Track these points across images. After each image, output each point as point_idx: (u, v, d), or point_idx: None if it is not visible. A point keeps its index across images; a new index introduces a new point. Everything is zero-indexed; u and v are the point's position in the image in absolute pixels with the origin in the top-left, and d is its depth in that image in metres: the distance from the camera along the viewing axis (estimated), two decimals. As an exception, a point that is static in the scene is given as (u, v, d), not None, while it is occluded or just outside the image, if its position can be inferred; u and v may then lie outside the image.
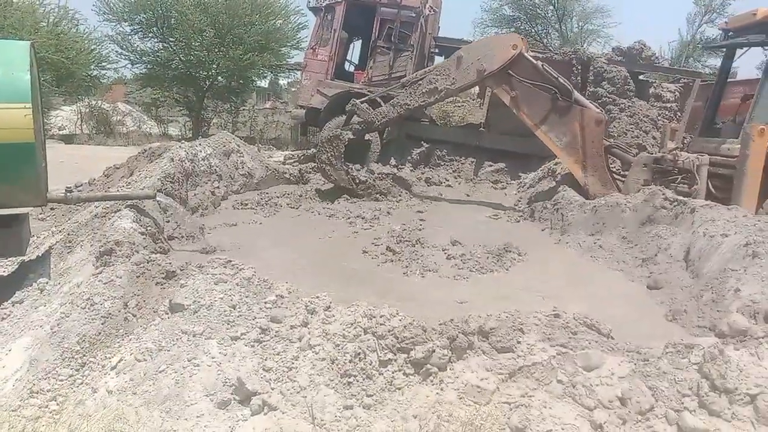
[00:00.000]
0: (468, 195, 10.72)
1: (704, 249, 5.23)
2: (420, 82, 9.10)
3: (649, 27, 67.04)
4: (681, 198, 6.51)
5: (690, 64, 26.77)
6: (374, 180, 9.37)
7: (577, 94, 8.74)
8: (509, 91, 8.74)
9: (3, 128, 4.26)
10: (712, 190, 7.59)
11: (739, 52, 8.74)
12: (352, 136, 9.21)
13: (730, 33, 8.57)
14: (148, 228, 5.21)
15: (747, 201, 6.94)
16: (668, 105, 12.53)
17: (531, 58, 8.89)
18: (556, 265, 6.07)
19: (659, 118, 12.18)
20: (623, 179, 8.57)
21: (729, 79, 9.57)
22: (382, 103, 9.29)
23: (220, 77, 22.71)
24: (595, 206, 7.25)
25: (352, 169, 9.29)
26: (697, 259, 5.24)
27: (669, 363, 3.07)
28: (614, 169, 8.95)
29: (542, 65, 8.75)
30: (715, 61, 26.99)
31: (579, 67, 12.50)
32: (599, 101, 11.56)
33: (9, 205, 5.00)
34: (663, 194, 6.58)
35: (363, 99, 9.85)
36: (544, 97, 8.64)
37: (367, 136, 10.66)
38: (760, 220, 5.28)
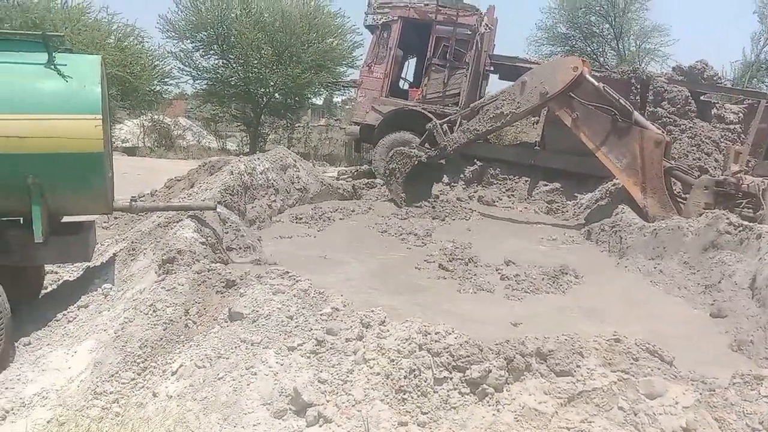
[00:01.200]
0: (522, 214, 10.60)
1: (772, 277, 5.02)
2: (487, 107, 9.39)
3: (710, 45, 65.15)
4: (746, 223, 6.26)
5: (754, 85, 25.84)
6: (432, 204, 9.59)
7: (637, 115, 8.64)
8: (570, 113, 8.83)
9: (74, 138, 4.45)
10: (779, 215, 7.29)
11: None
12: (424, 161, 9.59)
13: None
14: (209, 238, 5.34)
15: (817, 228, 6.62)
16: (731, 126, 12.10)
17: (593, 80, 8.87)
18: (615, 290, 5.92)
19: (722, 140, 11.78)
20: (684, 202, 8.34)
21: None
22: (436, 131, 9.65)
23: (277, 94, 23.23)
24: (655, 229, 7.05)
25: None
26: (764, 287, 5.02)
27: (737, 394, 2.94)
28: (675, 192, 8.72)
29: (604, 87, 8.72)
30: (783, 82, 26.04)
31: (638, 87, 12.23)
32: (659, 121, 11.28)
33: (77, 212, 5.22)
34: (727, 219, 6.34)
35: (443, 121, 10.11)
36: (605, 119, 8.62)
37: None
38: (832, 248, 5.04)
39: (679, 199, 8.55)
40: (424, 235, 7.78)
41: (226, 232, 6.11)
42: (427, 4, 13.48)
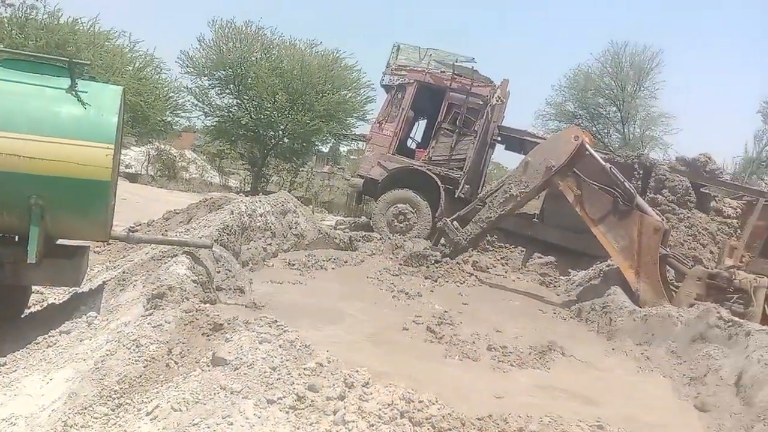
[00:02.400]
0: (514, 284, 10.59)
1: (758, 377, 4.99)
2: (496, 193, 9.54)
3: (712, 137, 66.52)
4: (736, 319, 6.27)
5: (754, 181, 26.27)
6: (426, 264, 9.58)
7: (639, 200, 8.77)
8: (574, 190, 8.92)
9: (84, 164, 4.50)
10: (768, 314, 7.30)
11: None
12: (439, 260, 9.57)
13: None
14: (200, 276, 5.33)
15: (807, 332, 6.62)
16: (729, 221, 12.27)
17: (598, 158, 9.05)
18: (601, 371, 5.87)
19: (718, 232, 11.91)
20: (676, 290, 8.36)
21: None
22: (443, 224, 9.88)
23: (285, 138, 23.57)
24: (645, 315, 7.05)
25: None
26: (750, 386, 4.99)
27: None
28: (668, 279, 8.75)
29: (610, 168, 8.89)
30: (782, 182, 26.45)
31: (640, 172, 12.44)
32: (658, 208, 11.42)
33: (74, 237, 5.23)
34: (717, 312, 6.34)
35: (452, 218, 10.18)
36: (607, 199, 8.73)
37: None
38: (821, 354, 5.04)
39: (672, 287, 8.57)
40: (415, 294, 7.76)
41: (218, 272, 6.10)
42: (443, 71, 13.86)
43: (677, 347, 6.35)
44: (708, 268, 8.76)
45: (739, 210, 12.42)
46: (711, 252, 11.41)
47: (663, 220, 9.02)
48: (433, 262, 9.52)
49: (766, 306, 7.45)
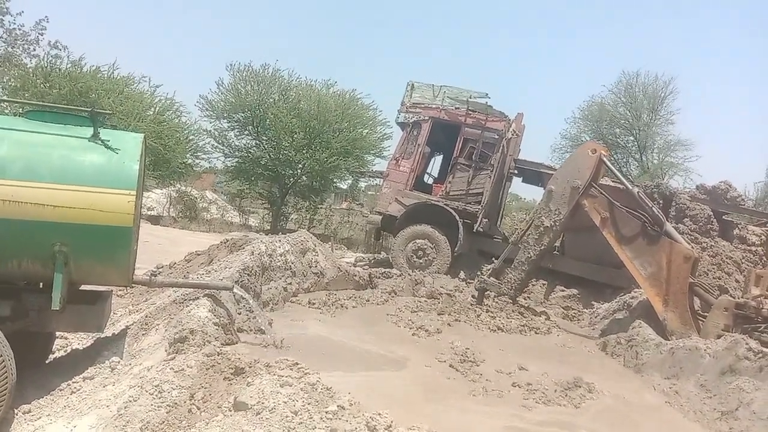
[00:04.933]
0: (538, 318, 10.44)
1: (792, 410, 4.86)
2: (528, 232, 9.46)
3: (733, 163, 65.88)
4: (766, 350, 6.12)
5: (776, 207, 25.88)
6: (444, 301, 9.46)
7: (668, 227, 8.65)
8: (601, 212, 8.78)
9: (107, 211, 4.59)
10: (799, 344, 7.10)
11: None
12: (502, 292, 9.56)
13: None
14: (221, 318, 5.35)
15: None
16: (753, 248, 12.05)
17: (617, 172, 9.12)
18: (628, 408, 5.75)
19: (743, 261, 11.70)
20: (703, 320, 8.19)
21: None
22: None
23: (304, 176, 23.81)
24: (672, 348, 6.91)
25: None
26: (784, 419, 4.86)
27: None
28: (695, 308, 8.58)
29: (638, 192, 8.81)
30: (805, 207, 25.99)
31: (660, 202, 12.33)
32: (681, 237, 11.29)
33: (97, 282, 5.29)
34: (746, 344, 6.21)
35: (488, 274, 10.13)
36: (635, 224, 8.60)
37: None
38: None
39: (699, 317, 8.40)
40: (434, 330, 7.69)
41: (239, 313, 6.12)
42: (458, 108, 13.99)
43: (706, 380, 6.20)
44: (734, 298, 8.59)
45: (763, 237, 12.21)
46: (736, 281, 11.19)
47: (693, 248, 8.84)
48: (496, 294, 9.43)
49: (796, 335, 7.25)
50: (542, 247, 9.32)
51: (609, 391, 6.13)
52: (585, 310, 11.49)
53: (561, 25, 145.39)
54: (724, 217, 12.72)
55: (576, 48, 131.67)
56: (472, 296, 10.16)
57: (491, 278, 9.77)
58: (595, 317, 10.54)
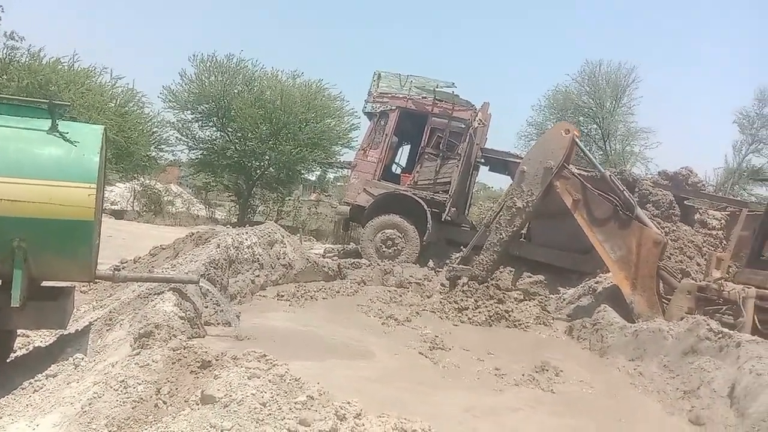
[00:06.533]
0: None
1: (751, 387, 4.99)
2: (500, 214, 9.40)
3: (691, 150, 67.48)
4: (726, 330, 6.29)
5: (736, 192, 26.64)
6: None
7: (639, 211, 8.73)
8: (573, 194, 8.80)
9: (67, 205, 4.47)
10: (759, 325, 7.32)
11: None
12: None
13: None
14: (188, 312, 5.28)
15: (797, 340, 6.65)
16: (714, 232, 12.39)
17: (590, 156, 9.07)
18: (594, 390, 5.86)
19: (704, 245, 12.02)
20: (667, 302, 8.37)
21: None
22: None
23: (271, 168, 23.58)
24: (636, 331, 7.07)
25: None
26: (743, 397, 4.99)
27: None
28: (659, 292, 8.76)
29: (610, 176, 8.89)
30: (762, 191, 26.83)
31: (624, 188, 12.56)
32: (643, 223, 11.52)
33: (59, 278, 5.17)
34: (707, 325, 6.37)
35: (456, 262, 10.12)
36: (606, 207, 8.66)
37: None
38: (811, 362, 5.05)
39: (663, 300, 8.59)
40: (404, 319, 7.74)
41: (206, 306, 6.05)
42: (425, 97, 14.03)
43: (669, 361, 6.34)
44: (696, 281, 8.81)
45: (723, 221, 12.55)
46: (698, 264, 11.49)
47: (662, 234, 8.95)
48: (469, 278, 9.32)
49: (755, 316, 7.47)
50: (515, 228, 9.28)
51: (575, 373, 6.26)
52: (552, 295, 11.67)
53: (529, 14, 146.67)
54: (685, 202, 13.04)
55: (542, 36, 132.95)
56: (442, 284, 10.21)
57: (461, 264, 9.77)
58: (562, 302, 10.71)
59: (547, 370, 6.07)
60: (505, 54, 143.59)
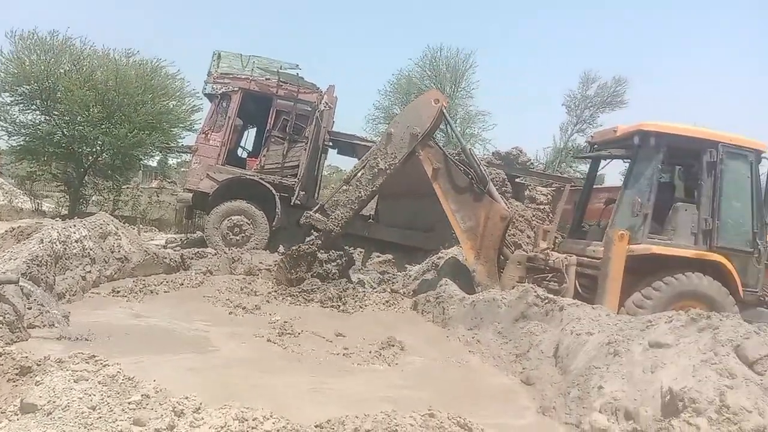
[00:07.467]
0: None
1: (571, 346, 5.53)
2: (362, 171, 9.24)
3: (528, 131, 72.97)
4: (551, 296, 6.89)
5: (563, 169, 29.11)
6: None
7: (491, 186, 9.13)
8: (434, 163, 8.94)
9: None
10: (579, 289, 8.11)
11: (603, 162, 9.69)
12: (315, 249, 9.13)
13: (595, 145, 9.50)
14: (6, 316, 4.78)
15: (609, 301, 7.47)
16: (542, 207, 13.55)
17: (453, 126, 9.31)
18: (437, 360, 6.17)
19: (533, 218, 13.08)
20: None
21: (595, 185, 10.49)
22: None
23: (105, 154, 21.85)
24: (473, 301, 7.53)
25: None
26: (565, 356, 5.52)
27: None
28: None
29: (470, 150, 9.22)
30: (585, 168, 29.61)
31: (480, 163, 13.29)
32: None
33: None
34: (535, 292, 6.93)
35: (315, 209, 9.81)
36: (463, 179, 8.95)
37: None
38: (621, 320, 5.68)
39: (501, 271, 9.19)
40: (252, 308, 7.61)
41: (29, 308, 5.51)
42: (269, 79, 13.74)
43: (503, 328, 6.85)
44: (526, 252, 9.55)
45: (549, 196, 13.74)
46: (528, 237, 12.48)
47: (509, 209, 9.39)
48: (312, 254, 9.09)
49: (577, 282, 8.25)
50: (374, 188, 9.21)
51: (419, 346, 6.55)
52: (399, 273, 12.11)
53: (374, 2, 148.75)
54: (516, 179, 14.09)
55: (387, 23, 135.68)
56: (279, 253, 10.02)
57: (317, 214, 9.62)
58: (408, 279, 11.14)
59: (393, 346, 6.28)
60: (354, 38, 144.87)
